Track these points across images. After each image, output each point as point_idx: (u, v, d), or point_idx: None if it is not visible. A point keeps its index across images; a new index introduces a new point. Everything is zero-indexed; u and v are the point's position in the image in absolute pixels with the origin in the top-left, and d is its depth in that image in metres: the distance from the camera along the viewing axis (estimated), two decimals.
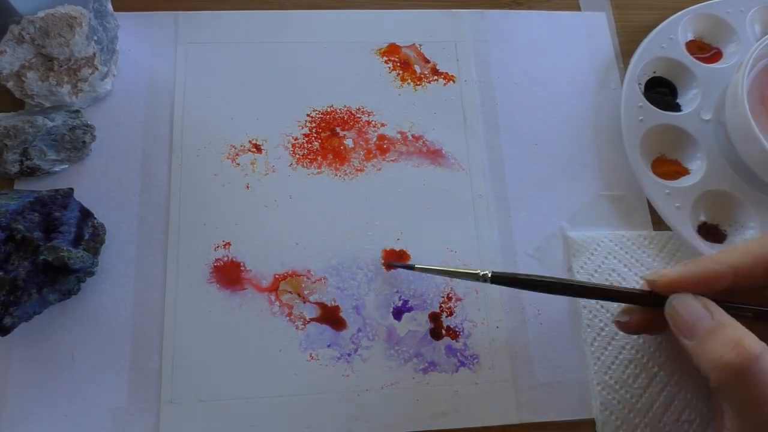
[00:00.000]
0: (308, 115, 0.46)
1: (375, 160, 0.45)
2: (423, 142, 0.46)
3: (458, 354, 0.41)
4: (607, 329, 0.41)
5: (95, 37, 0.43)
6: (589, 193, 0.46)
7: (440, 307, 0.42)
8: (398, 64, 0.48)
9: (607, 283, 0.41)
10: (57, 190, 0.40)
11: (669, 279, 0.33)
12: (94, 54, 0.43)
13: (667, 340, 0.41)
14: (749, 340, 0.28)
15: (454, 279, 0.42)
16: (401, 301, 0.41)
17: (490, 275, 0.37)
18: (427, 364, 0.40)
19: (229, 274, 0.41)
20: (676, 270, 0.33)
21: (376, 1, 0.51)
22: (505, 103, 0.48)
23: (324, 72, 0.48)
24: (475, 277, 0.37)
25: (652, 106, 0.46)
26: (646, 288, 0.35)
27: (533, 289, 0.37)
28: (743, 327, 0.30)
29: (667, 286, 0.33)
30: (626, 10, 0.52)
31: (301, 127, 0.46)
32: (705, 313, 0.31)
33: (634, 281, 0.43)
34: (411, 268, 0.41)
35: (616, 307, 0.41)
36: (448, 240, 0.43)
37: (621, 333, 0.41)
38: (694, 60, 0.48)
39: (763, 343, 0.28)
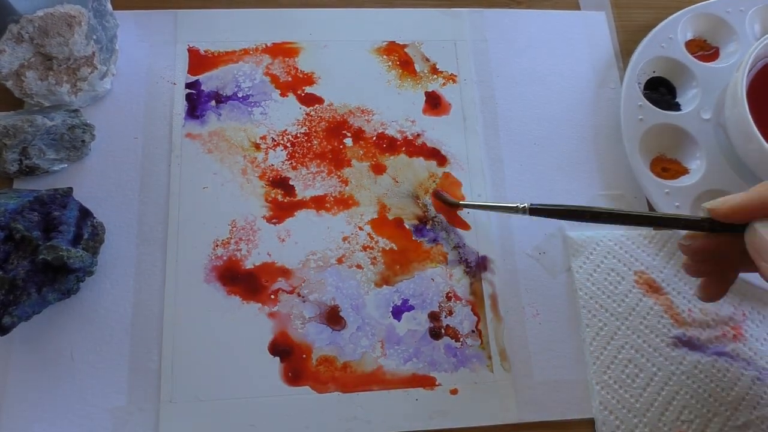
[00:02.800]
0: (307, 114, 0.46)
1: (374, 159, 0.45)
2: (422, 142, 0.46)
3: (458, 353, 0.41)
4: (606, 329, 0.41)
5: (94, 36, 0.43)
6: (588, 192, 0.46)
7: (440, 306, 0.42)
8: (398, 63, 0.48)
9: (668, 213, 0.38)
10: (56, 190, 0.40)
11: (730, 207, 0.32)
12: (94, 53, 0.43)
13: (665, 338, 0.41)
14: None
15: (453, 277, 0.42)
16: (401, 301, 0.42)
17: (528, 207, 0.38)
18: (426, 364, 0.40)
19: (229, 273, 0.41)
20: (738, 198, 0.32)
21: (375, 0, 0.51)
22: (504, 102, 0.48)
23: (323, 70, 0.48)
24: (514, 210, 0.39)
25: (651, 106, 0.46)
26: (704, 215, 0.34)
27: (575, 218, 0.36)
28: None
29: (728, 214, 0.32)
30: (626, 9, 0.52)
31: (299, 126, 0.46)
32: None
33: (632, 281, 0.43)
34: (456, 206, 0.43)
35: (615, 303, 0.41)
36: None
37: (620, 332, 0.41)
38: (694, 59, 0.48)
39: None
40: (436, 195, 0.44)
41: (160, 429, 0.37)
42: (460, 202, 0.43)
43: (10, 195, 0.38)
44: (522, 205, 0.38)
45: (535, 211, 0.38)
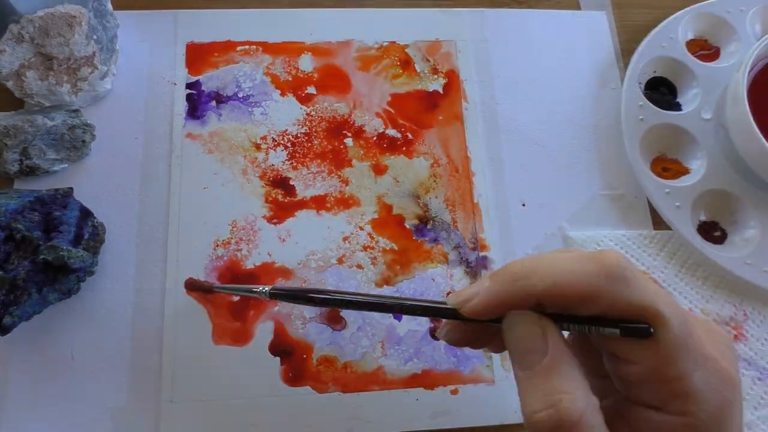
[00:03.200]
0: (308, 114, 0.46)
1: (375, 159, 0.45)
2: (423, 142, 0.46)
3: (458, 353, 0.40)
4: None
5: (95, 36, 0.43)
6: (589, 192, 0.46)
7: None
8: (398, 63, 0.48)
9: (413, 298, 0.34)
10: (57, 190, 0.40)
11: (475, 307, 0.26)
12: (94, 53, 0.43)
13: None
14: (569, 401, 0.23)
15: (453, 277, 0.42)
16: None
17: (268, 291, 0.34)
18: (426, 364, 0.40)
19: (229, 273, 0.41)
20: (483, 294, 0.26)
21: (376, 0, 0.51)
22: (504, 102, 0.48)
23: (324, 70, 0.47)
24: (258, 293, 0.35)
25: (652, 106, 0.46)
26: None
27: (315, 304, 0.32)
28: (575, 375, 0.24)
29: (476, 313, 0.26)
30: (626, 9, 0.52)
31: (300, 126, 0.46)
32: (541, 344, 0.24)
33: None
34: (210, 290, 0.40)
35: None
36: None
37: None
38: (695, 59, 0.48)
39: (589, 400, 0.23)
40: (189, 285, 0.40)
41: (161, 429, 0.37)
42: (213, 286, 0.39)
43: (10, 195, 0.38)
44: (264, 289, 0.34)
45: (275, 295, 0.34)
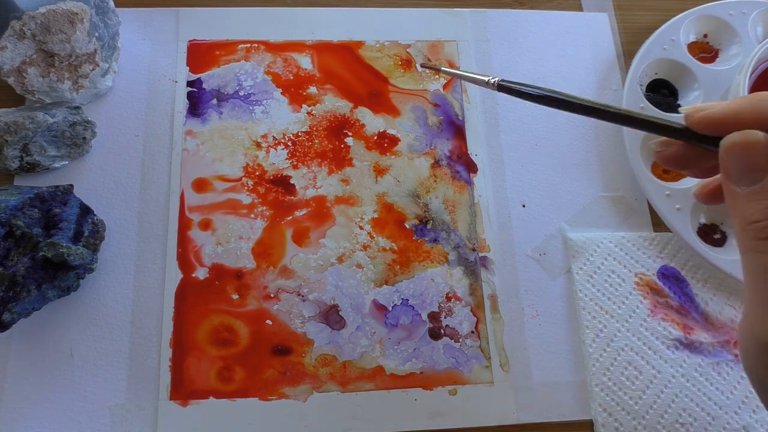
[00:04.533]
0: (309, 113, 0.46)
1: (375, 158, 0.45)
2: (424, 142, 0.46)
3: (457, 354, 0.41)
4: (605, 330, 0.41)
5: (96, 34, 0.43)
6: (589, 193, 0.46)
7: (439, 307, 0.42)
8: (400, 63, 0.48)
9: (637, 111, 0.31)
10: (57, 187, 0.40)
11: (706, 116, 0.27)
12: (95, 50, 0.43)
13: (663, 341, 0.41)
14: None
15: (453, 278, 0.42)
16: (401, 301, 0.41)
17: (497, 82, 0.34)
18: (425, 364, 0.40)
19: (229, 272, 0.41)
20: (716, 107, 0.26)
21: (378, 0, 0.51)
22: (505, 102, 0.48)
23: (325, 69, 0.47)
24: (484, 83, 0.35)
25: (653, 108, 0.46)
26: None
27: (546, 103, 0.32)
28: None
29: (702, 124, 0.27)
30: (628, 11, 0.52)
31: (301, 125, 0.46)
32: (765, 163, 0.25)
33: (632, 282, 0.43)
34: (438, 70, 0.40)
35: (615, 305, 0.41)
36: None
37: (620, 334, 0.41)
38: (696, 61, 0.48)
39: None
40: (424, 65, 0.47)
41: (159, 427, 0.37)
42: (441, 68, 0.40)
43: (10, 192, 0.38)
44: (492, 80, 0.34)
45: (504, 88, 0.33)
